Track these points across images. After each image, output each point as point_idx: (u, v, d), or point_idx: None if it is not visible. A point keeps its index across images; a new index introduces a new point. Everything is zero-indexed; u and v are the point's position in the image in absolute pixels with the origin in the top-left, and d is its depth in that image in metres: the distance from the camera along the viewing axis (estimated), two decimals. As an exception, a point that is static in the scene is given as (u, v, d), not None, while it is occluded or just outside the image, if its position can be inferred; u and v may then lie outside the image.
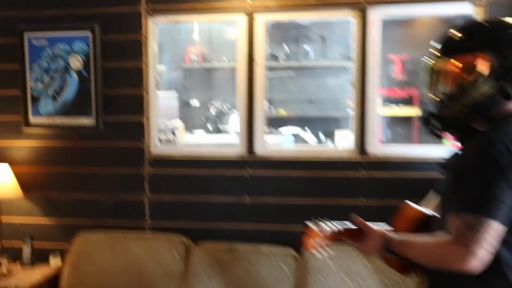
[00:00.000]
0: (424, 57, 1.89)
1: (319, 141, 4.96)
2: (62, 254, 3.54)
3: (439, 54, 1.85)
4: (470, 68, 1.76)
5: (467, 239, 1.66)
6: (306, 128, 5.07)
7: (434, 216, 1.95)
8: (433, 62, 1.87)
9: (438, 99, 1.87)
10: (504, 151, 1.65)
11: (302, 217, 3.34)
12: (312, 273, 3.17)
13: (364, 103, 3.37)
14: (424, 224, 1.96)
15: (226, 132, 5.07)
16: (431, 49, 1.86)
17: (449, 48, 1.84)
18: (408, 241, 1.85)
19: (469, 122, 1.80)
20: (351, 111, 3.47)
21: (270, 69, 4.39)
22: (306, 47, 5.17)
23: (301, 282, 3.20)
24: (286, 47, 5.14)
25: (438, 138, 1.93)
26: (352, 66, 3.44)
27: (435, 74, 1.87)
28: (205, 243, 3.43)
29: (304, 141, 4.97)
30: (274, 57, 4.99)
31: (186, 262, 3.37)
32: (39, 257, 3.60)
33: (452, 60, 1.80)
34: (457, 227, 1.69)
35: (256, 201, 3.48)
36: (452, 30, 1.85)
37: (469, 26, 1.95)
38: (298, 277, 3.23)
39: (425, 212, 2.00)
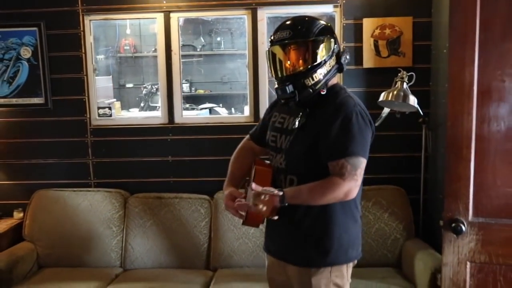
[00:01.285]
0: (278, 41, 2.10)
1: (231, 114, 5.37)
2: (24, 208, 3.88)
3: (295, 38, 2.08)
4: (323, 48, 2.11)
5: (355, 175, 2.02)
6: (221, 104, 5.46)
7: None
8: (292, 44, 2.09)
9: (297, 74, 2.10)
10: (362, 111, 2.09)
11: (212, 171, 3.86)
12: (222, 211, 3.64)
13: (257, 82, 3.83)
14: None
15: (155, 109, 5.38)
16: (284, 34, 2.08)
17: (305, 33, 2.09)
18: (300, 189, 2.07)
19: (318, 90, 2.11)
20: (248, 88, 3.94)
21: (189, 56, 4.78)
22: (218, 38, 5.59)
23: (214, 219, 3.69)
24: (202, 39, 5.53)
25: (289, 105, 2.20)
26: (247, 53, 3.89)
27: (293, 54, 2.11)
28: (138, 193, 3.86)
29: (219, 114, 5.34)
30: (193, 47, 5.39)
31: (124, 209, 3.79)
32: (5, 212, 3.95)
33: (312, 41, 2.08)
34: (346, 168, 2.01)
35: (177, 159, 3.92)
36: (306, 20, 2.16)
37: (311, 20, 2.18)
38: (211, 215, 3.71)
39: (271, 164, 2.28)
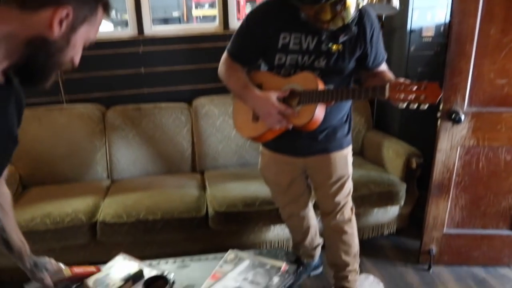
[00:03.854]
0: None
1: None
2: (-5, 130, 3.08)
3: None
4: None
5: None
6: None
7: None
8: None
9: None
10: None
11: (186, 80, 3.29)
12: (202, 117, 3.12)
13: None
14: None
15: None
16: None
17: None
18: None
19: None
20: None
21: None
22: None
23: (195, 125, 3.14)
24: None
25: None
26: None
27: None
28: (116, 106, 3.18)
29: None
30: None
31: (103, 123, 3.11)
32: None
33: None
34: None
35: (150, 71, 3.22)
36: None
37: None
38: (192, 122, 3.16)
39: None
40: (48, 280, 1.48)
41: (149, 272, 1.75)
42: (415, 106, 1.57)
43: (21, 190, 2.96)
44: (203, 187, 2.88)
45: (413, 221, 3.00)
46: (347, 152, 2.12)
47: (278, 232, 2.76)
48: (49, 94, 3.17)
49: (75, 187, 2.94)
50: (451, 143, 2.34)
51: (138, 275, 1.71)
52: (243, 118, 2.00)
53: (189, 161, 3.16)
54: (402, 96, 1.56)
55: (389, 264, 2.78)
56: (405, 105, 1.58)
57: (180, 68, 3.23)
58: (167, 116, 3.13)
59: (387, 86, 1.59)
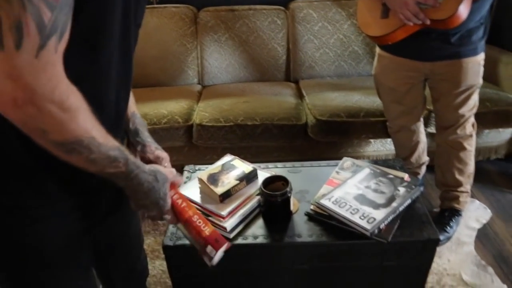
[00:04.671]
0: None
1: None
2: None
3: None
4: None
5: None
6: None
7: None
8: None
9: None
10: None
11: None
12: (300, 22, 2.92)
13: None
14: None
15: None
16: None
17: None
18: None
19: None
20: None
21: None
22: None
23: (291, 30, 2.95)
24: None
25: None
26: None
27: None
28: (207, 8, 3.02)
29: None
30: None
31: (195, 24, 2.99)
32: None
33: None
34: None
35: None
36: None
37: None
38: (288, 26, 2.96)
39: None
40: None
41: (260, 174, 1.69)
42: None
43: (114, 91, 2.96)
44: (299, 96, 2.75)
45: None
46: (481, 59, 1.90)
47: (378, 147, 2.63)
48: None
49: (166, 90, 2.90)
50: None
51: (253, 174, 1.64)
52: (370, 14, 1.81)
53: (283, 69, 3.01)
54: None
55: (497, 190, 2.59)
56: None
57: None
58: (262, 19, 2.95)
59: None
